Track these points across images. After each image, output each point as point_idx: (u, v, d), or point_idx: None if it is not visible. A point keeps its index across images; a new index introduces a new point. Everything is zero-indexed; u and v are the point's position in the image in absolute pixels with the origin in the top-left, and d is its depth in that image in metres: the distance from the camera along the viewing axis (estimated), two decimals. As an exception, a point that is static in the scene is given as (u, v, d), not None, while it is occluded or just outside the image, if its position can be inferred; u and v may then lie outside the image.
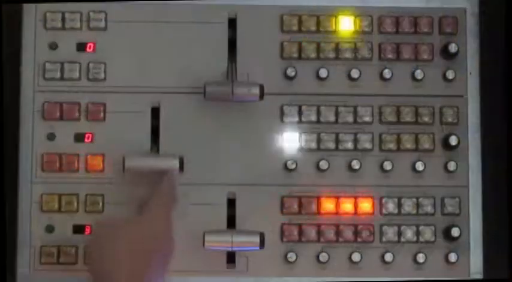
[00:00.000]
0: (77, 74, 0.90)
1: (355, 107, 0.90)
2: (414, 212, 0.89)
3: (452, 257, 0.89)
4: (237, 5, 0.91)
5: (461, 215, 0.90)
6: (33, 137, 0.89)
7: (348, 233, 0.89)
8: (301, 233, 0.89)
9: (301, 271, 0.89)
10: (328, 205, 0.89)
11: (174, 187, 0.86)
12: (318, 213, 0.89)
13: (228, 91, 0.86)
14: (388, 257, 0.88)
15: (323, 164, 0.89)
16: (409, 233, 0.89)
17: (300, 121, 0.90)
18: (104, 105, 0.90)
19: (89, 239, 0.86)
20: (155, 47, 0.90)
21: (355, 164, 0.89)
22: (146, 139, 0.89)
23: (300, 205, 0.89)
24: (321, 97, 0.90)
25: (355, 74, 0.90)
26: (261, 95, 0.86)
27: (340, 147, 0.90)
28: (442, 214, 0.90)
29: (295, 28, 0.91)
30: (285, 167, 0.89)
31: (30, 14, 0.90)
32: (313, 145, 0.90)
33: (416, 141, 0.90)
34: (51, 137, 0.89)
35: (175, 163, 0.86)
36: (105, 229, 0.81)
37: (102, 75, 0.90)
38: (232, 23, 0.91)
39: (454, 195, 0.90)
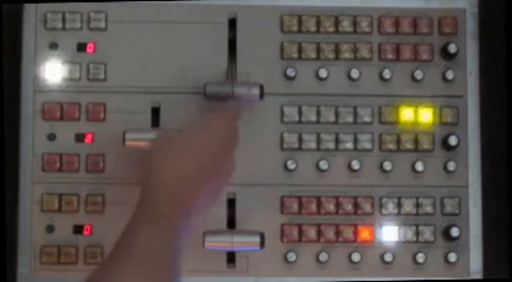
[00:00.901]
0: (77, 74, 0.90)
1: (355, 107, 0.90)
2: (414, 212, 0.90)
3: (452, 257, 0.89)
4: (237, 5, 0.91)
5: (461, 215, 0.90)
6: (33, 137, 0.89)
7: (348, 233, 0.89)
8: (301, 233, 0.89)
9: (301, 271, 0.89)
10: (328, 205, 0.89)
11: (237, 119, 0.85)
12: (318, 213, 0.89)
13: (228, 91, 0.86)
14: (388, 257, 0.89)
15: (323, 164, 0.89)
16: (408, 233, 0.89)
17: (300, 121, 0.90)
18: (104, 105, 0.90)
19: (146, 153, 0.80)
20: (155, 47, 0.90)
21: (355, 164, 0.89)
22: (146, 139, 0.89)
23: (300, 205, 0.89)
24: (321, 97, 0.90)
25: (355, 74, 0.90)
26: (261, 95, 0.86)
27: (340, 147, 0.90)
28: (441, 214, 0.90)
29: (295, 28, 0.91)
30: (285, 167, 0.89)
31: (30, 14, 0.90)
32: (313, 145, 0.90)
33: (416, 141, 0.90)
34: (51, 137, 0.89)
35: None
36: (172, 140, 0.79)
37: (102, 76, 0.90)
38: (232, 23, 0.91)
39: (453, 195, 0.90)
